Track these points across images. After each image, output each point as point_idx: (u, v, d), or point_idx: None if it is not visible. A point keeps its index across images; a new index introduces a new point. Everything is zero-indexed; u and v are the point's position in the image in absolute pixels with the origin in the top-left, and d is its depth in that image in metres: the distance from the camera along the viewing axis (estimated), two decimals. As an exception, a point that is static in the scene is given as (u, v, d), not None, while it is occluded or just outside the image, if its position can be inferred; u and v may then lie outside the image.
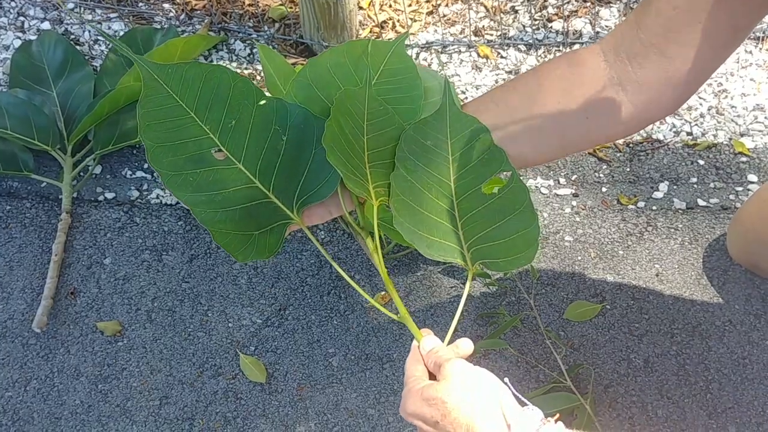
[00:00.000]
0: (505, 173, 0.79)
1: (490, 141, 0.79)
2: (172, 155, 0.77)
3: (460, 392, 0.66)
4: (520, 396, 0.69)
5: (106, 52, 1.60)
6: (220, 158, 0.78)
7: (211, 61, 1.60)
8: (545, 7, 1.62)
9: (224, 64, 1.59)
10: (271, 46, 1.60)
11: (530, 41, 1.57)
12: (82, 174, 1.46)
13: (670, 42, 0.72)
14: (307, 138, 0.80)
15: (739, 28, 0.72)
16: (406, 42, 1.58)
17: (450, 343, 0.77)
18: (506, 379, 0.70)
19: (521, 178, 0.84)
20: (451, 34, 1.61)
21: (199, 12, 1.68)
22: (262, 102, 0.78)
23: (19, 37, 1.66)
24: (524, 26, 1.60)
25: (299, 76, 0.85)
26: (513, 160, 0.79)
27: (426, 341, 0.76)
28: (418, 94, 0.85)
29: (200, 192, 0.78)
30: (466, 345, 0.74)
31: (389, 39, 1.60)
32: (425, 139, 0.79)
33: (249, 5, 1.67)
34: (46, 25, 1.68)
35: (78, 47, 1.62)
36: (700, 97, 1.47)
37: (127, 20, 1.68)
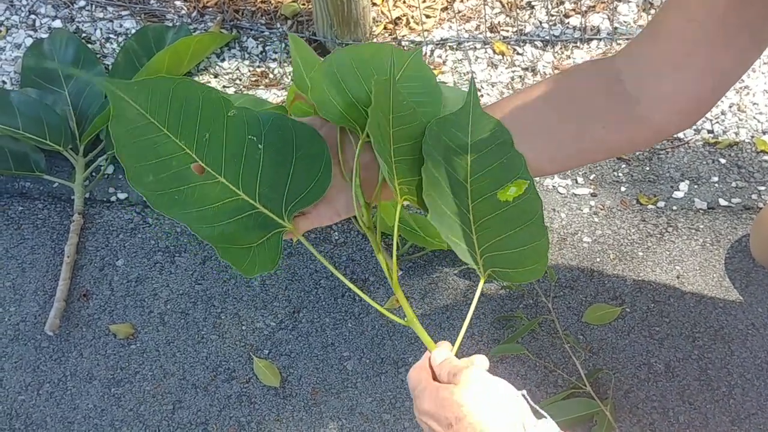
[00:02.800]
0: (522, 181, 0.77)
1: (510, 145, 0.76)
2: (152, 175, 0.75)
3: (477, 399, 0.64)
4: (538, 408, 0.67)
5: (117, 51, 1.59)
6: (200, 173, 0.76)
7: (224, 59, 1.59)
8: (562, 3, 1.59)
9: (236, 62, 1.58)
10: (283, 45, 1.58)
11: (547, 37, 1.54)
12: (94, 174, 1.45)
13: (688, 54, 0.70)
14: (286, 142, 0.78)
15: (760, 39, 0.69)
16: (421, 38, 1.56)
17: (460, 346, 0.76)
18: (524, 392, 0.68)
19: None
20: (467, 31, 1.58)
21: (211, 9, 1.66)
22: (231, 113, 0.76)
23: (31, 36, 1.65)
24: (541, 22, 1.57)
25: (325, 63, 0.83)
26: (528, 167, 0.77)
27: (439, 352, 0.74)
28: (438, 99, 0.83)
29: (189, 209, 0.76)
30: (482, 360, 0.72)
31: (403, 36, 1.58)
32: (446, 136, 0.77)
33: (261, 2, 1.65)
34: (57, 23, 1.67)
35: (89, 45, 1.60)
36: (721, 94, 1.44)
37: (138, 18, 1.66)
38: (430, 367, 0.73)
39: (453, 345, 0.76)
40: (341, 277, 0.80)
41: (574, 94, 0.77)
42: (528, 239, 0.78)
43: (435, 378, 0.72)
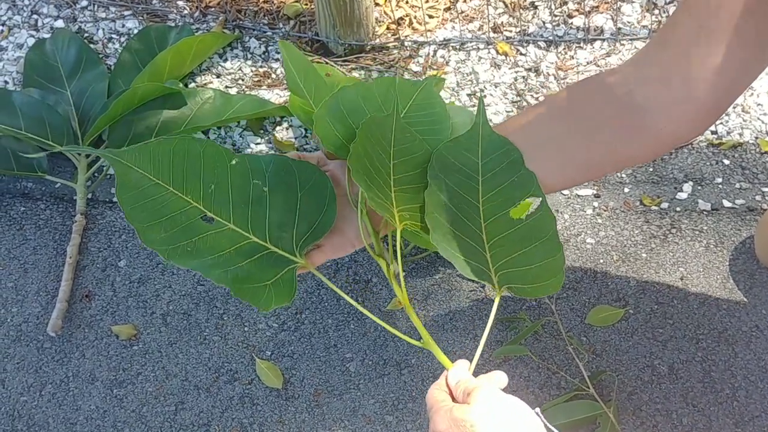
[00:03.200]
0: (534, 199, 0.77)
1: (521, 164, 0.77)
2: (163, 232, 0.77)
3: (487, 417, 0.64)
4: (552, 427, 0.67)
5: (120, 51, 1.59)
6: (210, 224, 0.78)
7: (226, 59, 1.58)
8: (565, 3, 1.58)
9: (239, 63, 1.57)
10: (286, 44, 1.58)
11: (550, 38, 1.54)
12: (96, 175, 1.45)
13: (697, 63, 0.69)
14: (290, 182, 0.81)
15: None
16: (424, 39, 1.56)
17: (476, 367, 0.76)
18: (537, 409, 0.68)
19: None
20: (470, 31, 1.58)
21: (213, 9, 1.66)
22: (234, 162, 0.79)
23: (33, 36, 1.65)
24: (544, 22, 1.56)
25: (331, 99, 0.85)
26: (540, 184, 0.77)
27: (455, 371, 0.74)
28: (446, 126, 0.85)
29: (202, 258, 0.78)
30: (501, 377, 0.72)
31: (406, 36, 1.57)
32: (456, 159, 0.78)
33: (264, 2, 1.65)
34: (59, 23, 1.67)
35: (92, 45, 1.60)
36: (725, 95, 1.43)
37: (141, 18, 1.66)
38: (448, 386, 0.73)
39: (471, 362, 0.76)
40: (349, 300, 0.82)
41: (581, 107, 0.77)
42: (543, 255, 0.78)
43: (453, 397, 0.72)
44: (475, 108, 0.86)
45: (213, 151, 0.78)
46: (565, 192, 1.35)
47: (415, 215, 0.82)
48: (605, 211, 1.33)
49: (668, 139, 0.75)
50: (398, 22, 1.60)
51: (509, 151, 0.77)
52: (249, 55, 1.59)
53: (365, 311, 0.82)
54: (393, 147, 0.78)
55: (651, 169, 1.37)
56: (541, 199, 0.77)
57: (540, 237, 0.78)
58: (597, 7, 1.56)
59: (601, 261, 1.28)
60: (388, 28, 1.60)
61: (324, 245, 0.83)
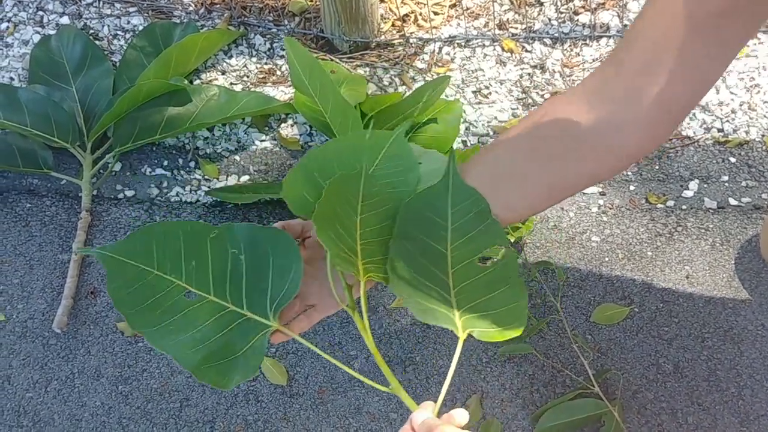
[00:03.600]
0: (501, 247, 0.80)
1: (488, 213, 0.80)
2: (149, 313, 0.80)
3: None
4: None
5: (125, 47, 1.59)
6: (191, 299, 0.81)
7: (231, 56, 1.58)
8: (571, 0, 1.58)
9: (244, 59, 1.57)
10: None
11: (556, 35, 1.53)
12: (101, 171, 1.45)
13: (655, 76, 0.71)
14: (263, 247, 0.83)
15: (726, 60, 0.70)
16: (429, 35, 1.55)
17: (442, 406, 0.79)
18: None
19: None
20: (475, 28, 1.57)
21: (218, 6, 1.66)
22: (213, 235, 0.81)
23: (38, 32, 1.65)
24: (550, 19, 1.56)
25: (302, 160, 0.87)
26: (501, 211, 0.80)
27: (419, 413, 0.76)
28: (415, 176, 0.88)
29: (180, 335, 0.80)
30: (460, 415, 0.73)
31: (411, 33, 1.57)
32: (426, 209, 0.81)
33: (269, -1, 1.65)
34: (65, 20, 1.67)
35: (97, 42, 1.60)
36: (731, 93, 1.43)
37: (146, 14, 1.66)
38: (413, 429, 0.75)
39: (435, 403, 0.79)
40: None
41: (540, 132, 0.79)
42: (507, 300, 0.82)
43: None
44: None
45: (193, 229, 0.81)
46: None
47: (379, 266, 0.85)
48: (611, 209, 1.33)
49: (631, 154, 0.77)
50: (403, 18, 1.60)
51: (477, 200, 0.80)
52: (254, 52, 1.59)
53: (340, 364, 0.83)
54: (361, 203, 0.81)
55: (657, 167, 1.36)
56: (506, 246, 0.80)
57: (505, 283, 0.81)
58: (603, 4, 1.56)
59: (607, 259, 1.28)
60: (393, 25, 1.60)
61: (317, 305, 0.86)
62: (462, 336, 0.83)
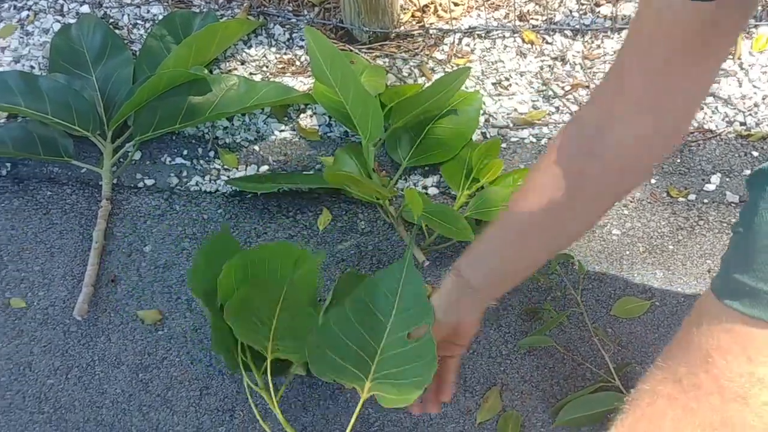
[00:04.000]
0: (427, 324, 0.95)
1: (426, 297, 0.98)
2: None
3: None
4: None
5: (144, 36, 1.59)
6: None
7: (250, 46, 1.58)
8: (593, -9, 1.57)
9: (263, 49, 1.57)
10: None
11: (577, 26, 1.52)
12: (121, 160, 1.46)
13: (646, 103, 0.75)
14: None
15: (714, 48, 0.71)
16: (449, 26, 1.55)
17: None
18: None
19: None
20: (495, 19, 1.56)
21: (238, -5, 1.65)
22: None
23: (59, 21, 1.65)
24: (571, 11, 1.55)
25: (233, 262, 1.10)
26: (507, 275, 0.94)
27: None
28: (314, 289, 1.15)
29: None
30: None
31: (431, 24, 1.56)
32: (383, 286, 1.02)
33: (288, -12, 1.65)
34: (85, 9, 1.67)
35: (117, 31, 1.60)
36: (754, 86, 1.42)
37: (165, 4, 1.66)
38: None
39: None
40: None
41: (537, 192, 0.85)
42: (417, 374, 0.94)
43: None
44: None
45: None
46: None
47: (288, 347, 1.04)
48: (632, 202, 1.32)
49: (629, 181, 0.84)
50: (423, 9, 1.59)
51: (419, 285, 1.00)
52: (273, 42, 1.59)
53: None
54: (281, 302, 1.06)
55: (678, 161, 1.35)
56: (430, 325, 0.95)
57: (422, 358, 0.94)
58: (625, -5, 1.55)
59: (627, 252, 1.27)
60: (413, 16, 1.59)
61: (462, 342, 1.01)
62: (364, 397, 0.97)
